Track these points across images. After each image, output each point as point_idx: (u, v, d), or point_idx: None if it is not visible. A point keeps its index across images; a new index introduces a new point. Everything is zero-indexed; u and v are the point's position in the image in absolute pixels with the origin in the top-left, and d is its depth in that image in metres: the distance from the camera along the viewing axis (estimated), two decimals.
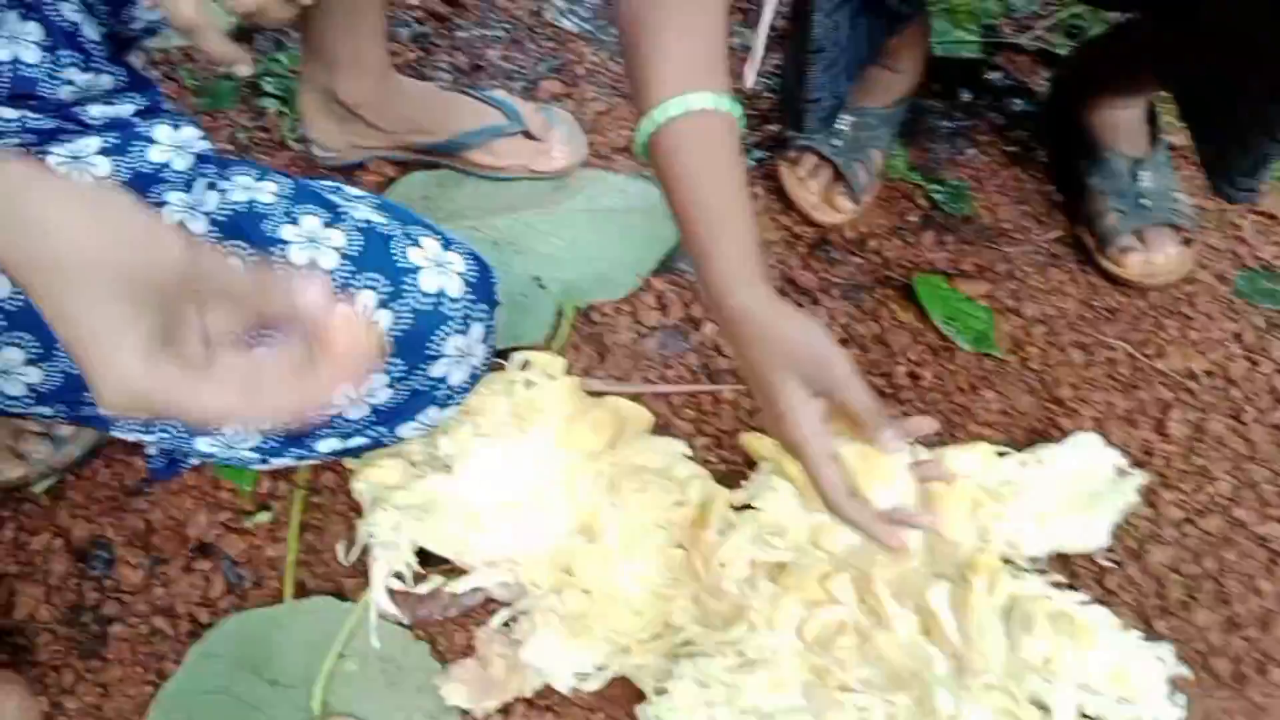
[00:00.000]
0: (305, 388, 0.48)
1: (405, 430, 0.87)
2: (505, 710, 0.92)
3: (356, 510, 1.02)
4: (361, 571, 0.98)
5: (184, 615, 0.98)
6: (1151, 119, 1.23)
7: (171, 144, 0.76)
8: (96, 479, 1.06)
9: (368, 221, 0.82)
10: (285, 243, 0.78)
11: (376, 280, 0.79)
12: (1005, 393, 1.12)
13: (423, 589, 0.96)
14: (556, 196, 1.22)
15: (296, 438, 0.84)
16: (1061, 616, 0.90)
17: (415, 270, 0.81)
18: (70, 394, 0.74)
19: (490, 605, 0.97)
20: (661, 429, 1.07)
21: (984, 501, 0.97)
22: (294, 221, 0.79)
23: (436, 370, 0.83)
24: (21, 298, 0.67)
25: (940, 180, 1.28)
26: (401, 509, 0.96)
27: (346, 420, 0.83)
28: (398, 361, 0.81)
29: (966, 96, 1.36)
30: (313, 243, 0.79)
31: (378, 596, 0.95)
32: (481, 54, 1.40)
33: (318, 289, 0.48)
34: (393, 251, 0.81)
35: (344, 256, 0.79)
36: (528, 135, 1.22)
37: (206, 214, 0.77)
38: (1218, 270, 1.22)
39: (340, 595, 0.97)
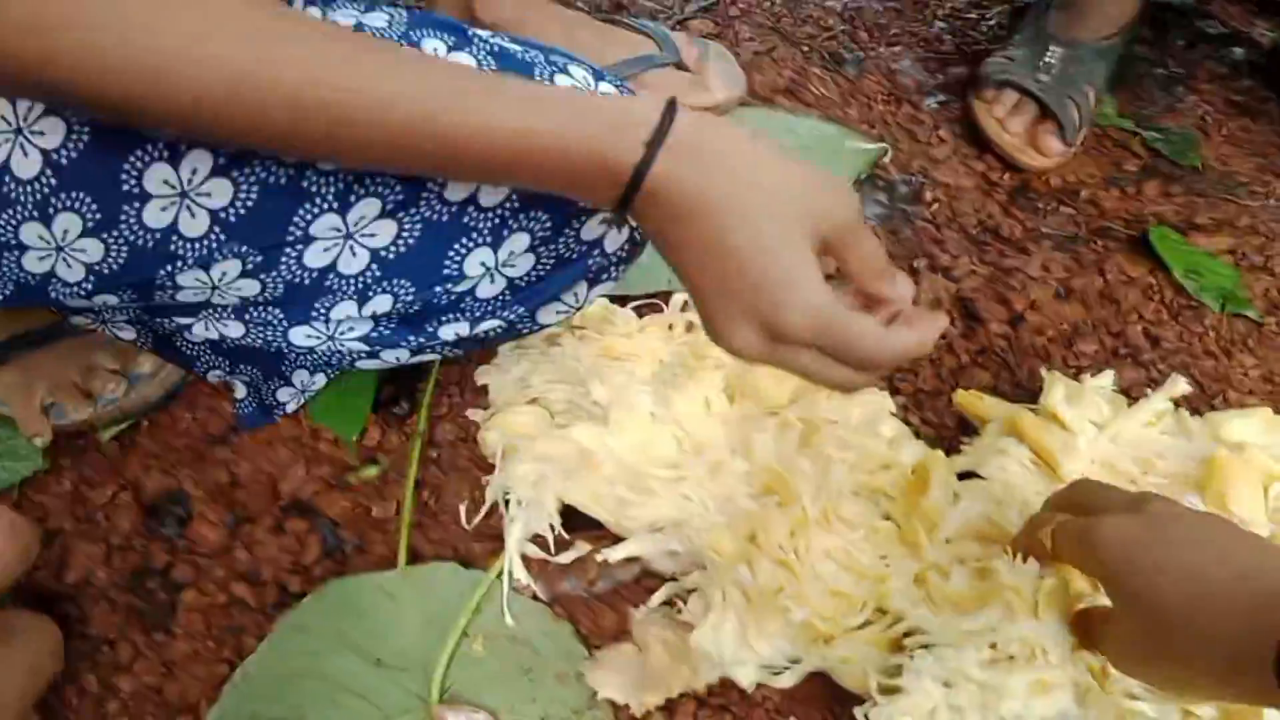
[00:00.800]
0: (907, 343, 0.55)
1: (547, 314, 0.71)
2: (669, 708, 0.72)
3: (482, 467, 0.84)
4: (489, 536, 0.80)
5: (271, 582, 0.80)
6: None
7: None
8: (175, 426, 0.90)
9: (501, 47, 0.65)
10: None
11: None
12: (1264, 358, 0.91)
13: (566, 558, 0.77)
14: None
15: (414, 322, 0.67)
16: None
17: None
18: (140, 275, 0.58)
19: (647, 581, 0.78)
20: None
21: (1278, 475, 0.76)
22: (414, 43, 0.63)
23: (589, 231, 0.66)
24: (73, 145, 0.52)
25: (1160, 128, 1.10)
26: (544, 461, 0.78)
27: (477, 299, 0.66)
28: (542, 216, 0.64)
29: (1180, 43, 1.19)
30: None
31: (513, 564, 0.76)
32: None
33: (910, 289, 0.57)
34: (535, 78, 0.63)
35: None
36: (680, 67, 1.08)
37: None
38: None
39: (464, 562, 0.79)
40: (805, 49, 1.18)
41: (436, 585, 0.76)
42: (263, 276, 0.61)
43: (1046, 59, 1.05)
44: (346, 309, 0.66)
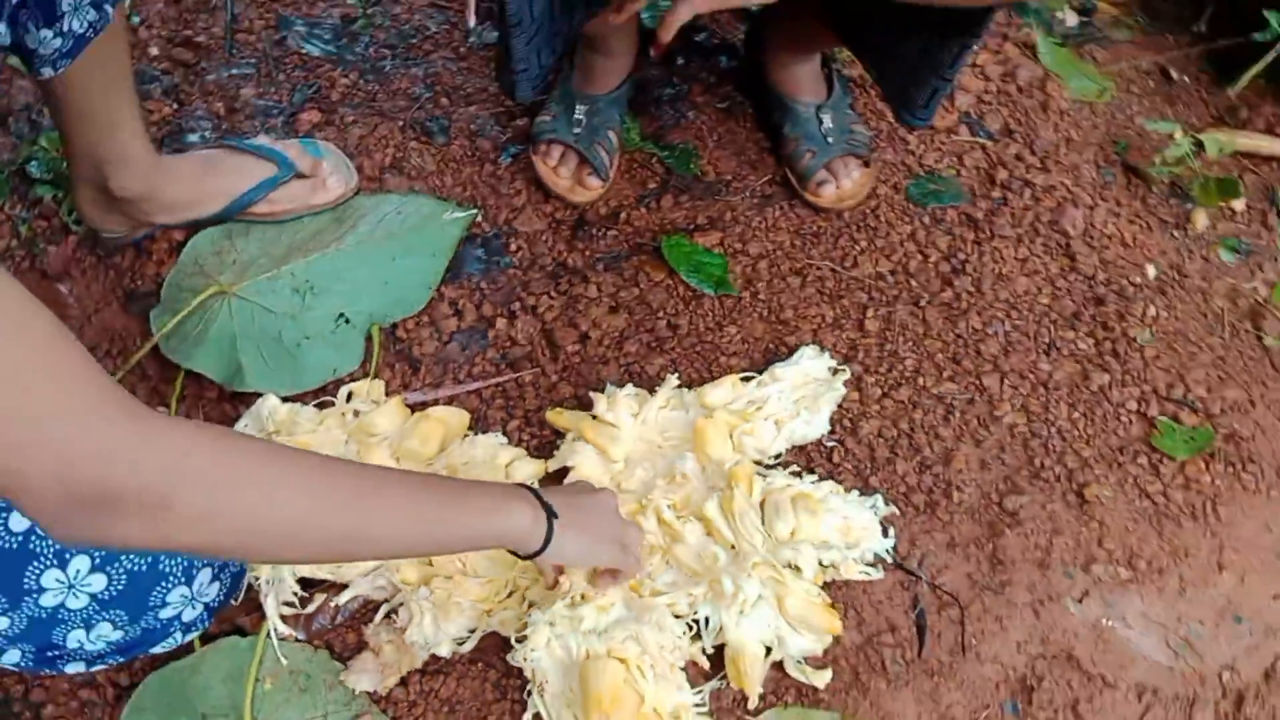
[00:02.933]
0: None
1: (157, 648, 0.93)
2: (404, 682, 1.07)
3: None
4: (255, 608, 1.08)
5: (105, 683, 1.06)
6: (825, 65, 1.38)
7: None
8: None
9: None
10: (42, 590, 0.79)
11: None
12: (743, 325, 1.28)
13: (311, 608, 1.08)
14: (340, 229, 1.27)
15: (49, 659, 0.85)
16: (801, 497, 1.10)
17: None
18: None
19: (369, 606, 1.10)
20: (479, 423, 1.19)
21: (736, 423, 1.16)
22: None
23: (167, 613, 0.88)
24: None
25: (669, 145, 1.39)
26: None
27: (86, 651, 0.85)
28: (120, 612, 0.84)
29: (681, 61, 1.46)
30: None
31: (275, 623, 1.06)
32: (235, 94, 1.39)
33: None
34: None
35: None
36: (300, 176, 1.26)
37: None
38: (894, 182, 1.41)
39: (241, 632, 1.07)
40: (401, 123, 1.37)
41: (227, 653, 1.06)
42: None
43: (576, 115, 1.31)
44: None
